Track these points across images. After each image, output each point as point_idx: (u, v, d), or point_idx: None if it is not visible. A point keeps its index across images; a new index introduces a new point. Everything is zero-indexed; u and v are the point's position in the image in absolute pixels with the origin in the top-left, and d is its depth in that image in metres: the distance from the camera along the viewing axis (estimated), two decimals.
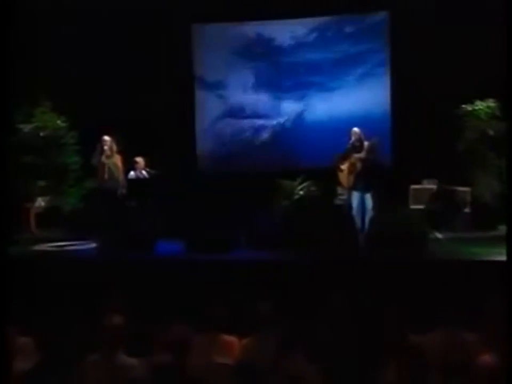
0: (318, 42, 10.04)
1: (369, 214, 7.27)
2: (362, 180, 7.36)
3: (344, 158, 7.54)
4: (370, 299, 5.06)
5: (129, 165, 8.29)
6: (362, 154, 7.40)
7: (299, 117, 10.23)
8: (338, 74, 10.00)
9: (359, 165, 7.40)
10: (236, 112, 10.36)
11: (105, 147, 7.91)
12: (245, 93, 10.29)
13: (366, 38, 9.85)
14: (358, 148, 7.47)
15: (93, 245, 7.24)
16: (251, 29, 10.20)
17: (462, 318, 4.18)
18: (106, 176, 7.90)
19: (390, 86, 9.76)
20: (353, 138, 7.52)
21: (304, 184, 9.16)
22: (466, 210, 8.26)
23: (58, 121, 9.02)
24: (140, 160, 8.38)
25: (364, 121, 8.72)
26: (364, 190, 7.38)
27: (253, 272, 5.76)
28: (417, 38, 9.03)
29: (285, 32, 10.14)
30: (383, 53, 9.80)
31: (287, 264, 6.02)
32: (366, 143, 7.44)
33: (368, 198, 7.34)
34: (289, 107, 10.25)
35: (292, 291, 5.36)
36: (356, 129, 7.62)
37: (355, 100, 9.83)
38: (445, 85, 8.68)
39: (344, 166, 7.54)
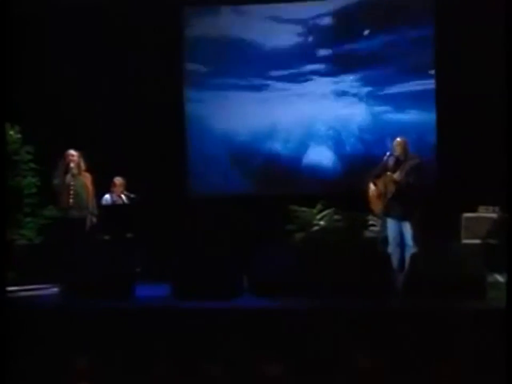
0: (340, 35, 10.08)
1: (409, 250, 7.33)
2: (398, 204, 7.43)
3: (379, 175, 7.61)
4: (410, 360, 5.09)
5: (102, 186, 8.38)
6: (398, 176, 7.44)
7: (317, 124, 10.21)
8: (363, 75, 10.05)
9: (392, 187, 7.47)
10: (236, 121, 10.37)
11: (71, 164, 8.02)
12: (247, 95, 10.34)
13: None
14: (400, 163, 7.52)
15: (55, 290, 7.33)
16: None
17: None
18: (71, 201, 7.99)
19: (436, 87, 9.78)
20: (397, 150, 7.57)
21: (326, 212, 9.22)
22: None
23: (11, 132, 9.13)
24: (119, 181, 8.49)
25: (402, 130, 8.78)
26: (400, 218, 7.46)
27: (259, 324, 5.81)
28: (469, 30, 9.16)
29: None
30: (427, 46, 9.85)
31: (303, 315, 6.05)
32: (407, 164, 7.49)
33: (408, 229, 7.42)
34: (305, 111, 10.21)
35: (309, 348, 5.39)
36: (400, 139, 7.66)
37: (390, 104, 9.87)
38: (507, 87, 8.73)
39: (376, 186, 7.61)
